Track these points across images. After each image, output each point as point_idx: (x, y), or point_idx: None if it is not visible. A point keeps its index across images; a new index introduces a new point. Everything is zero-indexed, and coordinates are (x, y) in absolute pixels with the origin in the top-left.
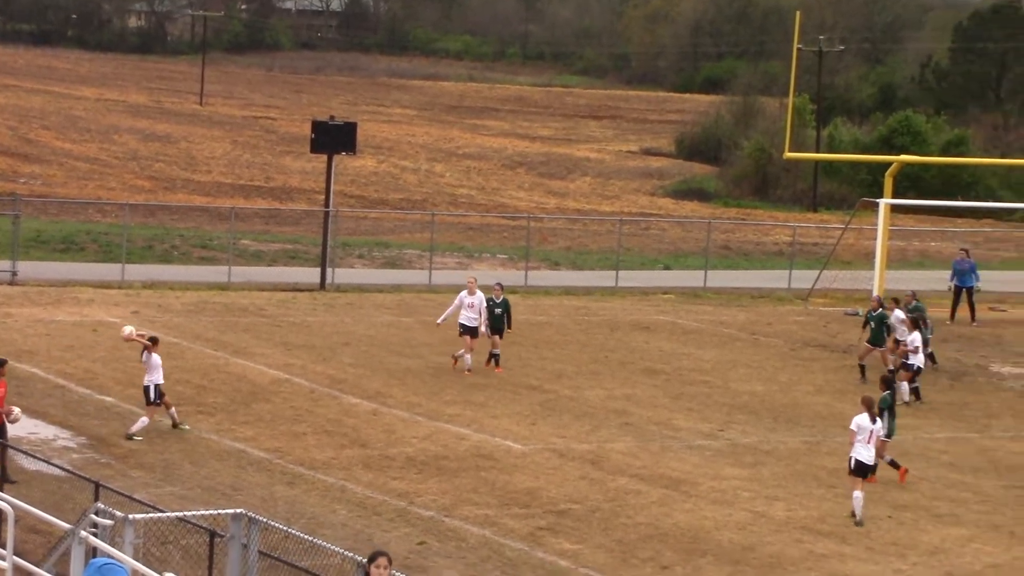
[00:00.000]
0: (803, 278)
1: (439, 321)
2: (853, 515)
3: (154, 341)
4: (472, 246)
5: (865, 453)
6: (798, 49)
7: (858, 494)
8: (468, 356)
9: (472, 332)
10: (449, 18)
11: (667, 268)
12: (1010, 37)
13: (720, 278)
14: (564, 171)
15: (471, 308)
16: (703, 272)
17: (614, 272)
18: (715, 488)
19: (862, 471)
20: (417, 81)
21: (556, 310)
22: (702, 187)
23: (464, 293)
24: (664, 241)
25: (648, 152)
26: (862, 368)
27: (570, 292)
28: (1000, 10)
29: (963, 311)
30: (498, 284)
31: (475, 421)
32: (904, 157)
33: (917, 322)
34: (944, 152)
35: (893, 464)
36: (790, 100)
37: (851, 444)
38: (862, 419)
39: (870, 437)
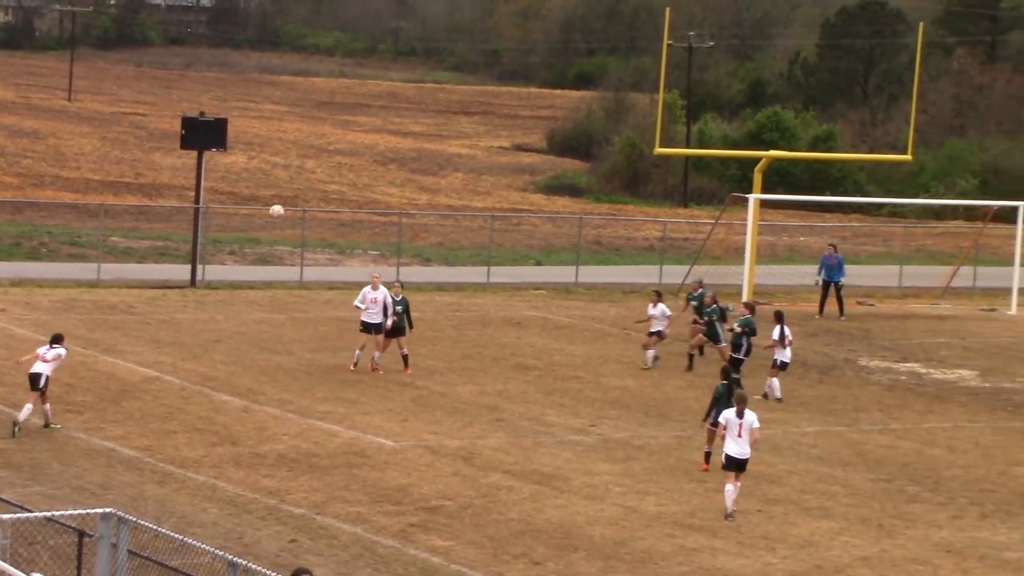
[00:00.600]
0: (674, 273)
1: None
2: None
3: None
4: (344, 242)
5: (735, 447)
6: (668, 45)
7: (729, 488)
8: (376, 353)
9: (374, 328)
10: (320, 14)
11: (539, 264)
12: (877, 33)
13: (591, 274)
14: (436, 167)
15: (374, 304)
16: (574, 268)
17: (486, 268)
18: (587, 483)
19: (733, 465)
20: (288, 77)
21: (428, 306)
22: (573, 183)
23: (367, 289)
24: (536, 237)
25: (519, 148)
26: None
27: (442, 288)
28: (867, 6)
29: (831, 305)
30: (398, 282)
31: (347, 418)
32: (773, 152)
33: (780, 316)
34: (813, 147)
35: (707, 456)
36: (660, 96)
37: (721, 438)
38: (730, 413)
39: (739, 430)
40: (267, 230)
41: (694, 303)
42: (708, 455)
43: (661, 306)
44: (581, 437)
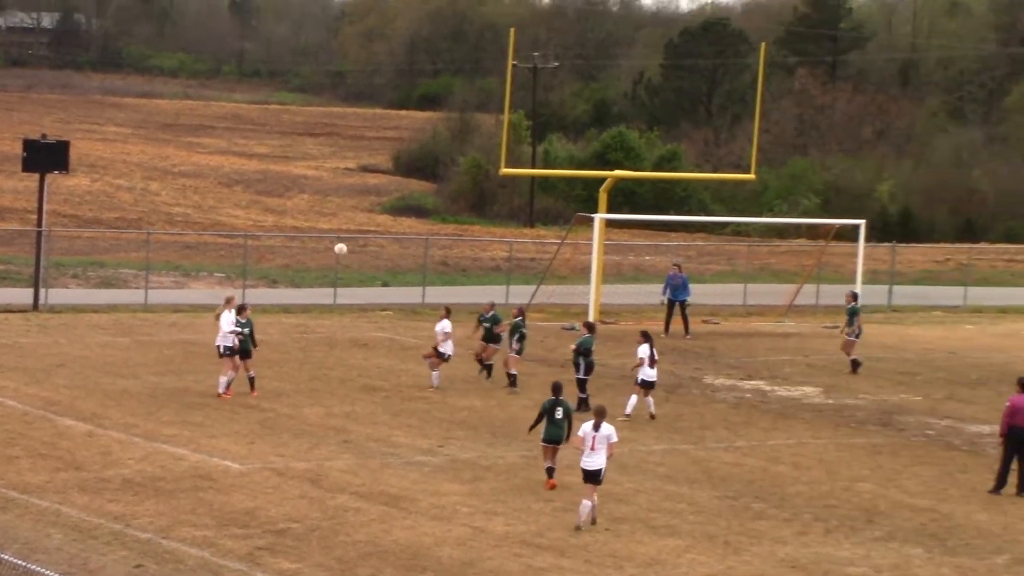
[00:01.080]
0: (521, 293)
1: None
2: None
3: None
4: (189, 264)
5: (589, 460)
6: (513, 66)
7: (586, 502)
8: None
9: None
10: (163, 35)
11: (385, 285)
12: (720, 53)
13: (438, 294)
14: (281, 189)
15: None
16: (421, 288)
17: (332, 289)
18: (435, 504)
19: (589, 478)
20: (131, 99)
21: (274, 328)
22: (420, 204)
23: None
24: (382, 258)
25: (365, 169)
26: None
27: (288, 310)
28: (710, 27)
29: (677, 324)
30: (244, 305)
31: (193, 441)
32: (618, 172)
33: (647, 336)
34: (657, 167)
35: (549, 471)
36: (506, 116)
37: (579, 451)
38: (587, 426)
39: (593, 443)
40: (111, 253)
41: (485, 324)
42: (551, 470)
43: (444, 322)
44: (428, 458)
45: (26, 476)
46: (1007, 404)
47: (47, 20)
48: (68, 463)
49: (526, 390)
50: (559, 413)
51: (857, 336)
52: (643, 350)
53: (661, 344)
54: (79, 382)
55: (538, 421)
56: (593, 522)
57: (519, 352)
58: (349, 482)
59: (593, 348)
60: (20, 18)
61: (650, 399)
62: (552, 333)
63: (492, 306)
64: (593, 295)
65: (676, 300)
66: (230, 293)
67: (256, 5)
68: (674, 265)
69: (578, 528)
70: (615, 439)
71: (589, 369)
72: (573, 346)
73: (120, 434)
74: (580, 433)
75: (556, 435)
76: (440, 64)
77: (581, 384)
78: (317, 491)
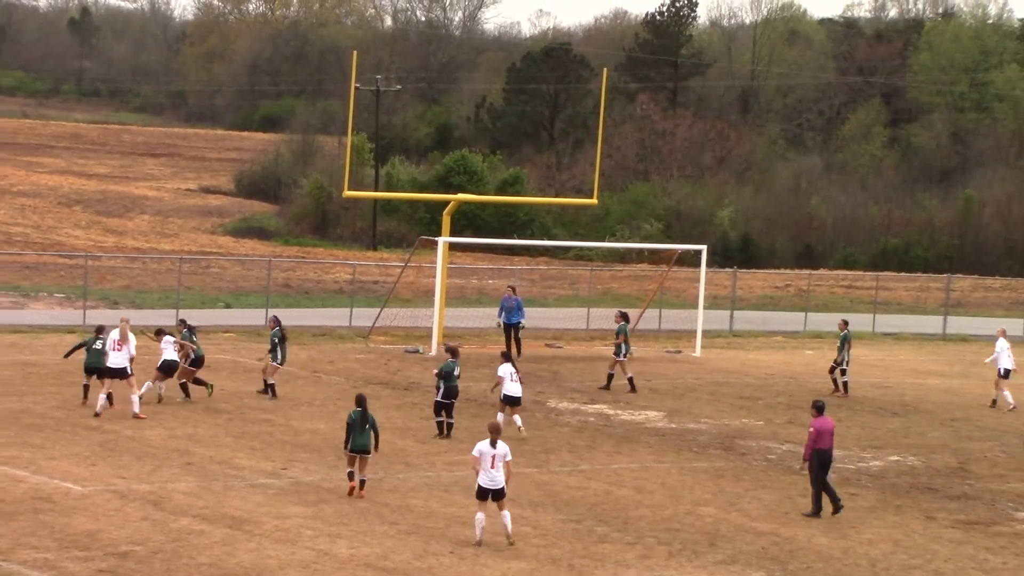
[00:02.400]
0: (364, 316)
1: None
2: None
3: None
4: (28, 285)
5: (486, 478)
6: (356, 88)
7: (480, 516)
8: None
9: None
10: (1, 53)
11: (228, 307)
12: (561, 78)
13: (282, 316)
14: (122, 209)
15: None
16: (264, 310)
17: (175, 310)
18: (279, 527)
19: (483, 495)
20: None
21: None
22: (262, 225)
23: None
24: (224, 279)
25: (207, 190)
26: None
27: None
28: (551, 52)
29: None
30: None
31: (33, 463)
32: (461, 196)
33: (507, 356)
34: (500, 191)
35: (350, 475)
36: (348, 139)
37: (474, 470)
38: (483, 445)
39: (492, 462)
40: None
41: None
42: (351, 474)
43: (167, 337)
44: (272, 480)
45: None
46: (811, 429)
47: None
48: None
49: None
50: (365, 425)
51: (845, 364)
52: (503, 369)
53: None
54: None
55: (349, 433)
56: (509, 541)
57: (280, 362)
58: (192, 504)
59: (455, 372)
60: None
61: (516, 417)
62: (396, 356)
63: (277, 321)
64: (437, 318)
65: (510, 323)
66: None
67: (95, 24)
68: (508, 288)
69: (478, 543)
70: (510, 458)
71: (448, 393)
72: (435, 371)
73: None
74: (476, 452)
75: (362, 444)
76: (282, 86)
77: (437, 407)
78: (160, 513)
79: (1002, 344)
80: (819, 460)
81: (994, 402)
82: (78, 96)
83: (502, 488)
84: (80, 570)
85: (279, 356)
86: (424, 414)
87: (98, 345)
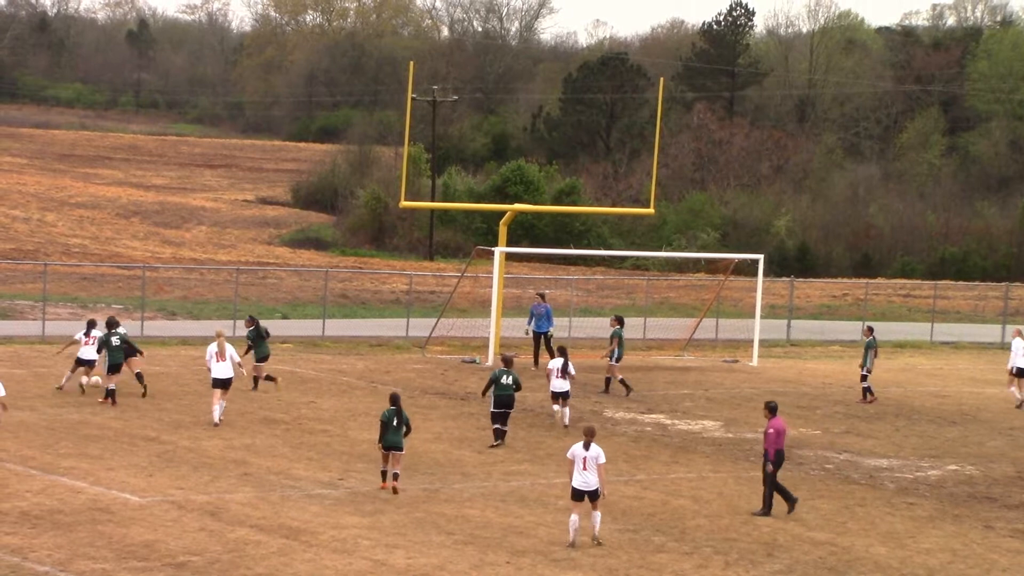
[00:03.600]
0: (420, 326)
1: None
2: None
3: None
4: (86, 296)
5: (579, 479)
6: (412, 99)
7: (574, 518)
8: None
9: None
10: (60, 65)
11: (285, 317)
12: (618, 88)
13: (338, 327)
14: (179, 220)
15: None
16: (321, 321)
17: (232, 321)
18: (335, 537)
19: (577, 496)
20: (27, 129)
21: (173, 360)
22: (319, 236)
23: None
24: (281, 290)
25: (264, 201)
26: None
27: (187, 342)
28: (608, 62)
29: (546, 357)
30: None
31: (91, 474)
32: (517, 206)
33: (563, 351)
34: (556, 201)
35: (383, 475)
36: (405, 149)
37: (569, 472)
38: (576, 447)
39: (585, 464)
40: (7, 284)
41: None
42: (384, 474)
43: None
44: (329, 491)
45: None
46: (770, 431)
47: None
48: None
49: (426, 422)
50: (395, 422)
51: (868, 370)
52: (553, 363)
53: (531, 376)
54: None
55: (383, 431)
56: (597, 541)
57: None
58: (249, 515)
59: (502, 380)
60: None
61: (565, 409)
62: (453, 366)
63: (253, 321)
64: (493, 328)
65: (539, 331)
66: (218, 328)
67: (153, 36)
68: (537, 295)
69: (571, 545)
70: (603, 460)
71: (499, 402)
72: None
73: (17, 466)
74: (569, 455)
75: (395, 442)
76: (339, 96)
77: (492, 416)
78: (217, 524)
79: (1018, 344)
80: (780, 459)
81: (1021, 403)
82: (136, 108)
83: (596, 490)
84: None
85: (262, 353)
86: (480, 424)
87: (115, 341)
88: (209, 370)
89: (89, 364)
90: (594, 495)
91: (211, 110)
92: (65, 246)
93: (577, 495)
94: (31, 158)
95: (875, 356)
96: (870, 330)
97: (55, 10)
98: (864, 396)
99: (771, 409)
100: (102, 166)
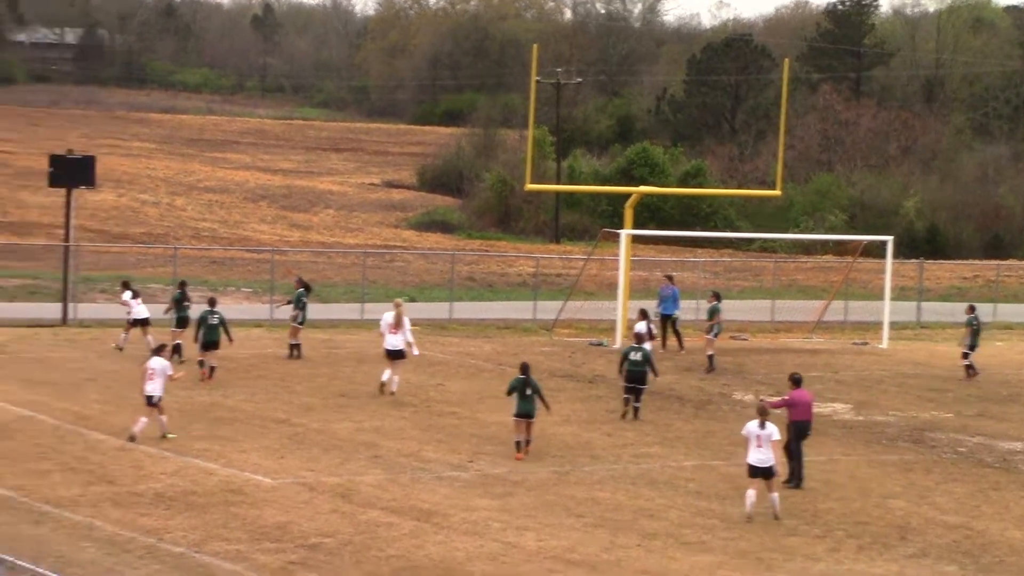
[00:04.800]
0: (547, 309)
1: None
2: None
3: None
4: (216, 280)
5: (755, 456)
6: (536, 81)
7: (750, 492)
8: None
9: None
10: (186, 51)
11: (412, 300)
12: (743, 69)
13: (465, 309)
14: (307, 204)
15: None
16: (448, 304)
17: (360, 305)
18: (466, 519)
19: (753, 473)
20: (156, 114)
21: (302, 343)
22: (445, 219)
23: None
24: (408, 273)
25: (390, 184)
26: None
27: (316, 325)
28: (732, 43)
29: (675, 340)
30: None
31: (223, 455)
32: (643, 188)
33: (644, 314)
34: (682, 183)
35: (517, 445)
36: (530, 132)
37: (745, 450)
38: (751, 425)
39: (760, 441)
40: (138, 268)
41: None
42: (519, 444)
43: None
44: (459, 473)
45: (59, 490)
46: (786, 397)
47: (71, 36)
48: (100, 477)
49: (554, 405)
50: (528, 391)
51: (971, 348)
52: (639, 326)
53: (689, 360)
54: (109, 396)
55: (512, 396)
56: (776, 516)
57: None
58: (380, 497)
59: (630, 356)
60: (43, 34)
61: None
62: (580, 349)
63: (302, 283)
64: (620, 311)
65: (666, 315)
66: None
67: (278, 20)
68: (665, 277)
69: (749, 519)
70: (777, 437)
71: (630, 377)
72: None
73: (151, 448)
74: (744, 432)
75: (526, 409)
76: (462, 80)
77: (624, 389)
78: (348, 506)
79: None
80: (796, 430)
81: None
82: (262, 92)
83: (771, 467)
84: (271, 562)
85: (302, 317)
86: (610, 407)
87: (213, 320)
88: (383, 337)
89: (142, 323)
90: (769, 472)
91: (336, 94)
92: (194, 230)
93: (753, 472)
94: (160, 143)
95: (976, 334)
96: (971, 308)
97: None
98: (967, 373)
99: (795, 381)
100: (230, 150)
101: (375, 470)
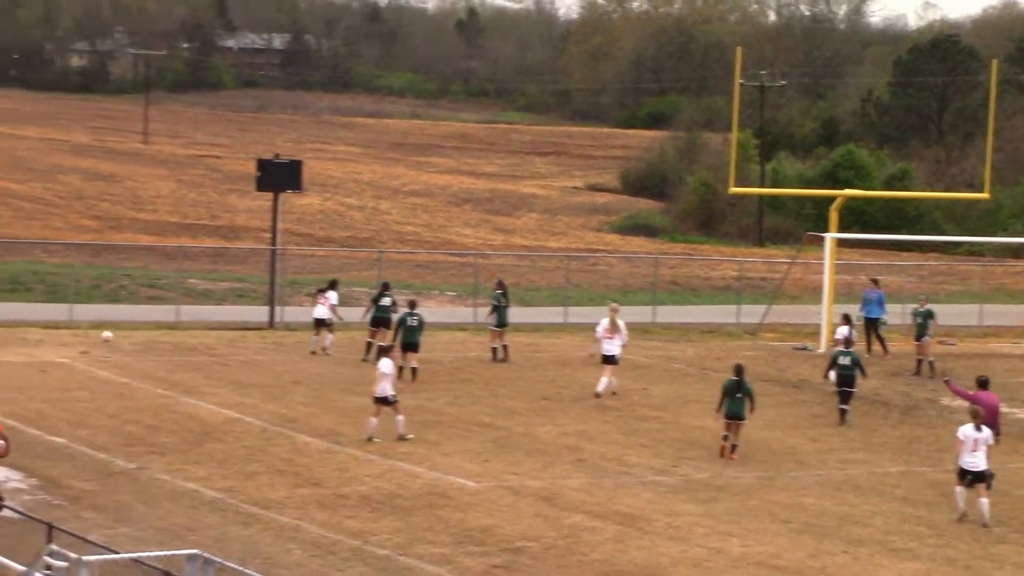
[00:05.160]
0: (751, 313)
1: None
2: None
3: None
4: (420, 283)
5: (969, 460)
6: (740, 84)
7: (959, 489)
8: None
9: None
10: (391, 55)
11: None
12: (950, 70)
13: (669, 313)
14: (510, 208)
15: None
16: (651, 308)
17: (563, 308)
18: (670, 524)
19: (963, 476)
20: (361, 119)
21: (509, 345)
22: (648, 222)
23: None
24: (612, 277)
25: (593, 188)
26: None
27: (519, 329)
28: (939, 44)
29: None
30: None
31: (428, 459)
32: (848, 191)
33: (847, 319)
34: (887, 186)
35: (725, 437)
36: (733, 135)
37: (956, 453)
38: (967, 428)
39: (975, 445)
40: (343, 271)
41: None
42: (726, 437)
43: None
44: (663, 478)
45: (266, 492)
46: (971, 393)
47: (278, 41)
48: (306, 479)
49: (759, 409)
50: (739, 393)
51: None
52: (841, 331)
53: (895, 364)
54: (315, 399)
55: (724, 396)
56: (984, 524)
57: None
58: (583, 501)
59: (839, 360)
60: (251, 39)
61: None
62: (785, 353)
63: (501, 285)
64: (825, 315)
65: (870, 318)
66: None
67: (482, 24)
68: (871, 280)
69: (962, 517)
70: (991, 441)
71: (840, 381)
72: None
73: (357, 451)
74: (960, 435)
75: (736, 411)
76: (665, 83)
77: (838, 395)
78: (552, 510)
79: None
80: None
81: None
82: (466, 96)
83: (983, 471)
84: (475, 565)
85: (501, 318)
86: (814, 412)
87: (413, 322)
88: (599, 343)
89: (323, 324)
90: (981, 476)
91: (539, 98)
92: (399, 233)
93: (963, 474)
94: (365, 147)
95: None
96: None
97: (387, 1)
98: None
99: (981, 383)
100: (434, 154)
101: (579, 474)
